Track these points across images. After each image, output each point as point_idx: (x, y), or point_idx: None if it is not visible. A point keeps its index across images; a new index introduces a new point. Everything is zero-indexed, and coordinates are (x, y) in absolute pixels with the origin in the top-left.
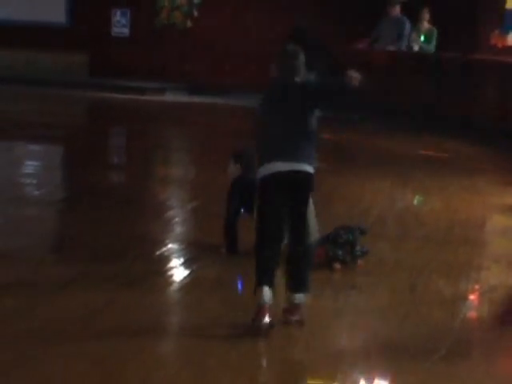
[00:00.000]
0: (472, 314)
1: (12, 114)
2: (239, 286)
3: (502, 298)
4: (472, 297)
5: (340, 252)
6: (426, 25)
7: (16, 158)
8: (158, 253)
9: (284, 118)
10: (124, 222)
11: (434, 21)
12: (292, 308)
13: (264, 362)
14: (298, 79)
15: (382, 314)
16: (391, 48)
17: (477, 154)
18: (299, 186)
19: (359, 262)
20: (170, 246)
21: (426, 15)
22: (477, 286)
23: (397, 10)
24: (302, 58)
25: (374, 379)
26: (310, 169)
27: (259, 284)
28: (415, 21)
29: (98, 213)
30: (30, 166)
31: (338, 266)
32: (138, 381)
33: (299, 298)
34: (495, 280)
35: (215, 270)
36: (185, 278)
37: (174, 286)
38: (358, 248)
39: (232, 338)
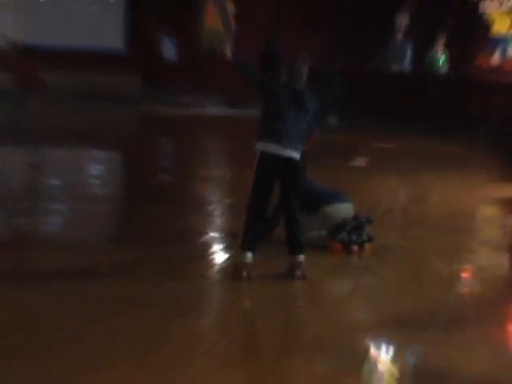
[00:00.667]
0: (465, 290)
1: (77, 126)
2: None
3: (490, 276)
4: (465, 275)
5: (353, 237)
6: (441, 51)
7: (82, 162)
8: (200, 241)
9: (285, 111)
10: (172, 215)
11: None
12: (295, 265)
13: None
14: (301, 83)
15: (388, 291)
16: (396, 69)
17: (472, 155)
18: (289, 167)
19: (366, 246)
20: (210, 235)
21: (442, 42)
22: (469, 267)
23: (400, 36)
24: (306, 68)
25: (381, 346)
26: (296, 155)
27: (243, 248)
28: (425, 45)
29: (150, 208)
30: (94, 169)
31: (355, 248)
32: (179, 353)
33: (300, 257)
34: (484, 261)
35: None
36: (224, 261)
37: (215, 269)
38: (364, 234)
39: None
